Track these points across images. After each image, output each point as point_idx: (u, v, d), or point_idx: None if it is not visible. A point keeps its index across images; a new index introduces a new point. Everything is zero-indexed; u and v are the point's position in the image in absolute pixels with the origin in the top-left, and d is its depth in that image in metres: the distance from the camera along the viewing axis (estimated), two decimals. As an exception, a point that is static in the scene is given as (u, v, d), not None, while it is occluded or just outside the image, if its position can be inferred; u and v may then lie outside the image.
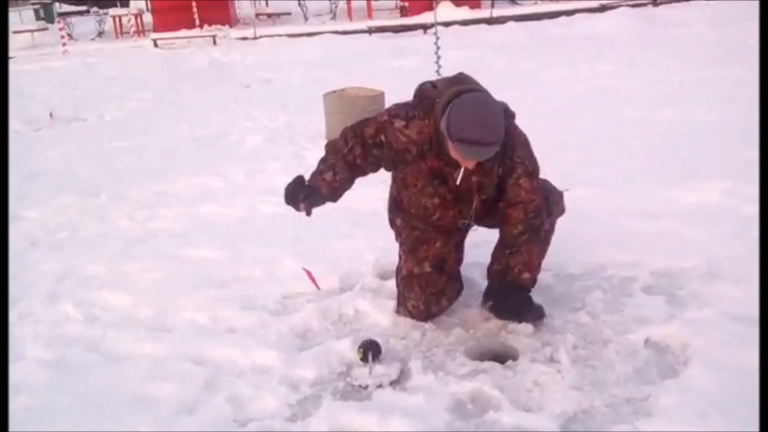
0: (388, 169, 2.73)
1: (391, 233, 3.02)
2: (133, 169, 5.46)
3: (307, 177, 2.68)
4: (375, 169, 2.70)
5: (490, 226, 2.77)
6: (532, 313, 2.65)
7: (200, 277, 3.31)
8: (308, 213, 2.65)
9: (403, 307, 2.80)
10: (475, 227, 2.77)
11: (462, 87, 2.47)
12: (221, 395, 2.37)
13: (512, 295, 2.65)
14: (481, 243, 3.00)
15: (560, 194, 2.75)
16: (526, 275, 2.64)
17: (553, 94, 7.29)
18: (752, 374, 2.20)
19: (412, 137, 2.54)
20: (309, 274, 3.05)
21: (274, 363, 2.55)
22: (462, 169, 2.51)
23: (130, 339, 2.81)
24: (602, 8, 13.43)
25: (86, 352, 2.75)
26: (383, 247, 3.27)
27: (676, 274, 3.01)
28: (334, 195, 2.67)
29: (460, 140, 2.33)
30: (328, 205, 2.71)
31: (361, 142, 2.61)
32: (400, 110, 2.60)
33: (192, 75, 10.61)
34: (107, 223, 4.22)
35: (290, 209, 2.69)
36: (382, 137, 2.58)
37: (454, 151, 2.42)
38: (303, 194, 2.61)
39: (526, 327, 2.64)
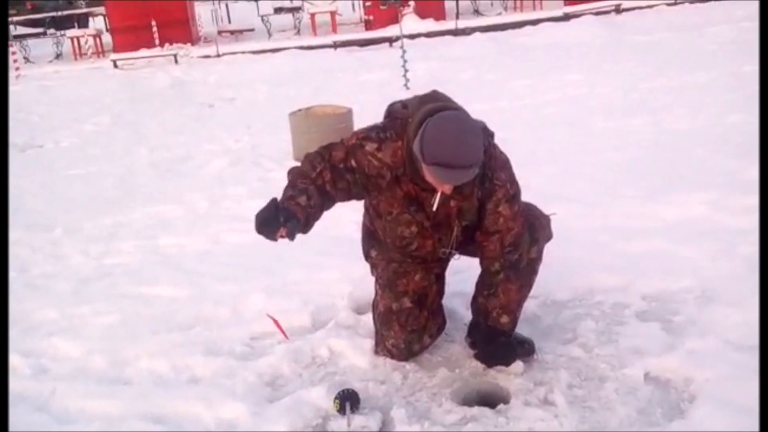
0: (358, 198, 2.50)
1: (366, 263, 2.80)
2: (88, 198, 5.16)
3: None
4: (344, 198, 2.44)
5: (473, 254, 2.57)
6: (518, 356, 2.46)
7: (159, 320, 3.05)
8: (291, 238, 2.26)
9: (381, 346, 2.58)
10: (457, 256, 2.56)
11: (436, 105, 2.25)
12: (183, 459, 2.12)
13: (494, 341, 2.46)
14: (463, 270, 2.80)
15: (547, 219, 2.56)
16: (504, 319, 2.45)
17: (522, 104, 7.18)
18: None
19: (385, 161, 2.32)
20: (275, 322, 2.79)
21: (241, 417, 2.31)
22: (439, 194, 2.29)
23: (82, 395, 2.54)
24: (566, 17, 13.43)
25: (33, 413, 2.47)
26: (358, 276, 3.05)
27: (669, 298, 2.85)
28: (308, 224, 2.35)
29: (436, 163, 2.12)
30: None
31: (330, 167, 2.37)
32: (371, 132, 2.38)
33: (152, 96, 10.29)
34: (59, 261, 3.93)
35: (260, 238, 2.37)
36: (353, 162, 2.35)
37: (429, 175, 2.21)
38: (282, 217, 2.24)
39: (515, 364, 2.43)
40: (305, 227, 2.33)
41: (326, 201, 2.39)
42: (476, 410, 2.24)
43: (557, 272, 2.98)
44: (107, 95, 10.61)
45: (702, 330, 2.56)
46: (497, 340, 2.46)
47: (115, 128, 8.11)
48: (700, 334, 2.53)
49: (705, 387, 2.21)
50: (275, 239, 2.25)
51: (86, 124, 8.47)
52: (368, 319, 2.75)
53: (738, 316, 2.61)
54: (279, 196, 2.35)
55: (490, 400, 2.33)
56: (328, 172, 2.36)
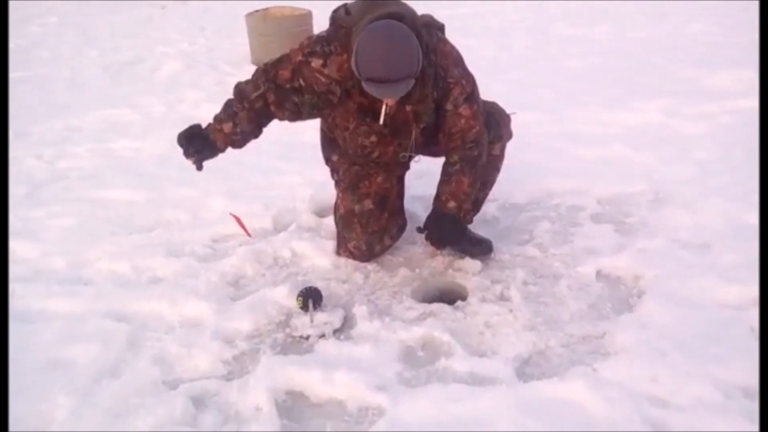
0: (310, 117, 2.44)
1: (326, 166, 2.79)
2: (37, 102, 4.95)
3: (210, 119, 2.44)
4: (294, 118, 2.40)
5: (434, 154, 2.56)
6: (476, 255, 2.51)
7: (118, 222, 3.01)
8: (199, 168, 2.48)
9: (343, 248, 2.62)
10: (417, 158, 2.55)
11: (375, 14, 2.14)
12: (147, 355, 2.14)
13: (441, 221, 2.46)
14: (423, 174, 2.83)
15: (508, 117, 2.56)
16: (451, 204, 2.43)
17: (485, 10, 7.05)
18: (708, 306, 2.15)
19: (332, 76, 2.26)
20: (237, 219, 2.78)
21: (205, 315, 2.33)
22: (384, 107, 2.25)
23: (42, 295, 2.50)
24: None
25: (-9, 312, 2.46)
26: (319, 181, 3.04)
27: (623, 201, 2.93)
28: (234, 147, 2.45)
29: (369, 79, 2.08)
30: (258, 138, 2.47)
31: (275, 88, 2.32)
32: (315, 46, 2.28)
33: (100, -5, 9.76)
34: (11, 165, 3.80)
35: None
36: (301, 81, 2.29)
37: (367, 89, 2.16)
38: (194, 148, 2.41)
39: (474, 264, 2.50)
40: (233, 147, 2.46)
41: (265, 121, 2.43)
42: (435, 306, 2.31)
43: (517, 176, 3.02)
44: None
45: (653, 230, 2.66)
46: (444, 221, 2.45)
47: (62, 29, 7.70)
48: (651, 234, 2.63)
49: (653, 283, 2.31)
50: (188, 160, 2.47)
51: (32, 24, 8.03)
52: (330, 221, 2.77)
53: (688, 217, 2.71)
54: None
55: (449, 297, 2.40)
56: (273, 93, 2.33)
